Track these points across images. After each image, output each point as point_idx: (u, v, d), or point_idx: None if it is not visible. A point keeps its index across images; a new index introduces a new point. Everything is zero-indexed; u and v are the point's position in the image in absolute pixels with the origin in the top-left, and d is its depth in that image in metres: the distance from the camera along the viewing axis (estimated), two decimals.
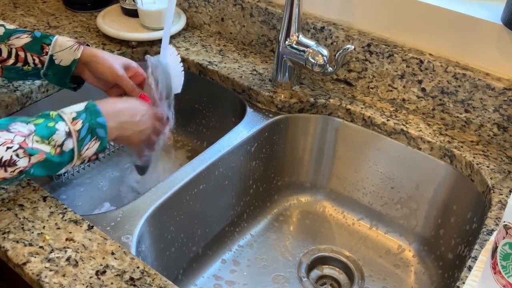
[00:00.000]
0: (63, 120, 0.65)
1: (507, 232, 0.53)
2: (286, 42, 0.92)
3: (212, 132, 1.08)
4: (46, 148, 0.63)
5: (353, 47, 0.85)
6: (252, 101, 0.97)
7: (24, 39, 0.79)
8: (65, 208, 0.68)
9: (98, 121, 0.68)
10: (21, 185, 0.71)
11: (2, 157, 0.60)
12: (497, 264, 0.55)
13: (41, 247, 0.62)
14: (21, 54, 0.79)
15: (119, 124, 0.72)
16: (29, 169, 0.62)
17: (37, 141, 0.63)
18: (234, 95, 1.00)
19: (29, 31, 0.80)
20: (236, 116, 1.01)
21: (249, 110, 0.95)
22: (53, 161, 0.64)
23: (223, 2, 1.09)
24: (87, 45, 0.82)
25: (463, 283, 0.62)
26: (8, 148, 0.61)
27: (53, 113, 0.66)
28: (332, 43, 0.98)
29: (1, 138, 0.60)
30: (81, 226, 0.65)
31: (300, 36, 0.91)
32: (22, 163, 0.62)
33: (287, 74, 0.95)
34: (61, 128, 0.65)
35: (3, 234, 0.63)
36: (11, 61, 0.79)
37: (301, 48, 0.90)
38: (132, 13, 1.11)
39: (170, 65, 0.83)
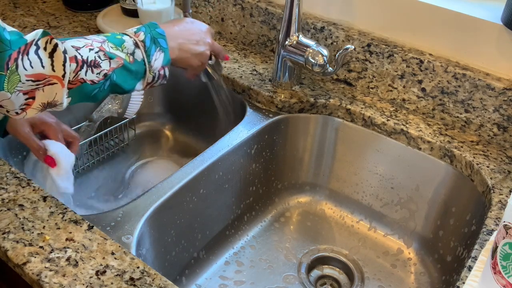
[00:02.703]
0: (127, 35, 0.70)
1: (507, 232, 0.53)
2: (286, 42, 0.92)
3: (212, 132, 1.08)
4: (121, 54, 0.68)
5: (353, 47, 0.85)
6: (252, 101, 0.97)
7: None
8: (65, 208, 0.68)
9: (158, 31, 0.72)
10: (21, 185, 0.71)
11: (87, 57, 0.64)
12: (497, 264, 0.55)
13: (41, 247, 0.62)
14: None
15: (179, 45, 0.75)
16: (112, 74, 0.66)
17: (112, 47, 0.67)
18: (234, 95, 1.00)
19: None
20: (236, 116, 1.01)
21: (249, 110, 0.95)
22: (130, 69, 0.68)
23: (223, 2, 1.09)
24: None
25: (463, 283, 0.62)
26: (90, 49, 0.65)
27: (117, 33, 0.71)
28: (332, 43, 0.98)
29: (81, 41, 0.65)
30: (81, 226, 0.65)
31: (300, 36, 0.91)
32: (105, 65, 0.66)
33: (287, 74, 0.95)
34: (128, 39, 0.69)
35: (3, 234, 0.63)
36: None
37: (301, 48, 0.90)
38: (132, 13, 1.11)
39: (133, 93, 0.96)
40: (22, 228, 0.64)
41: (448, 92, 0.88)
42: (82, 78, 0.64)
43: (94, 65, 0.65)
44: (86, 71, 0.64)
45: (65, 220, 0.66)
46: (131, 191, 1.00)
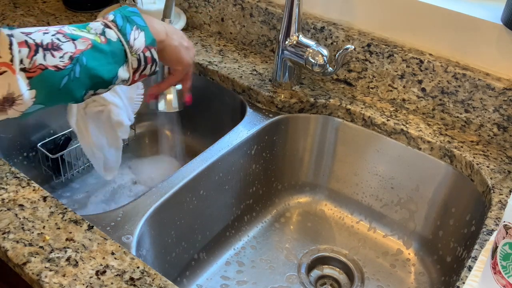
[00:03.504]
0: (93, 22, 0.62)
1: (507, 232, 0.53)
2: (286, 42, 0.92)
3: (212, 132, 1.08)
4: (88, 35, 0.59)
5: (353, 47, 0.85)
6: (252, 101, 0.97)
7: None
8: (65, 208, 0.68)
9: (129, 10, 0.64)
10: (21, 185, 0.71)
11: (42, 40, 0.56)
12: (497, 264, 0.55)
13: (41, 247, 0.62)
14: None
15: (165, 29, 0.67)
16: (80, 57, 0.58)
17: (73, 30, 0.59)
18: (234, 95, 1.00)
19: None
20: (236, 116, 1.01)
21: (249, 110, 0.95)
22: (104, 50, 0.59)
23: (223, 2, 1.09)
24: None
25: (463, 283, 0.62)
26: (45, 33, 0.57)
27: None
28: (332, 43, 0.98)
29: (32, 28, 0.57)
30: (81, 226, 0.65)
31: (300, 36, 0.91)
32: (68, 47, 0.57)
33: (287, 74, 0.95)
34: (94, 23, 0.61)
35: (3, 234, 0.63)
36: None
37: (301, 48, 0.90)
38: None
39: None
40: (22, 228, 0.64)
41: (448, 92, 0.88)
42: (42, 64, 0.55)
43: (53, 48, 0.56)
44: (44, 55, 0.56)
45: (65, 220, 0.66)
46: (131, 191, 1.00)
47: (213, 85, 1.03)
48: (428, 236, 0.92)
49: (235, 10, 1.08)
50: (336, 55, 0.87)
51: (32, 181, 0.71)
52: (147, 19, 0.65)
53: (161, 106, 0.79)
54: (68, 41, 0.57)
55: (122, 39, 0.61)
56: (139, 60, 0.63)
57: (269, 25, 1.05)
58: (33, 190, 0.70)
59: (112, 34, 0.61)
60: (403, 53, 0.90)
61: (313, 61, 0.89)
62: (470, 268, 0.64)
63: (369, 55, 0.94)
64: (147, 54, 0.64)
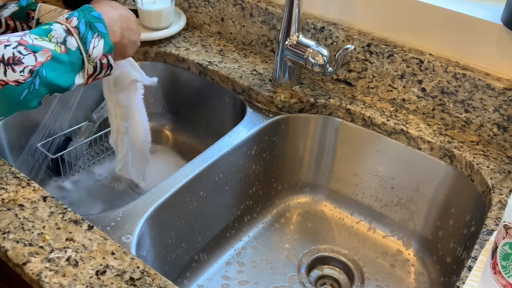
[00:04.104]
0: (57, 22, 0.63)
1: (507, 232, 0.53)
2: (286, 42, 0.92)
3: (212, 132, 1.08)
4: (49, 45, 0.60)
5: (353, 47, 0.85)
6: (252, 101, 0.97)
7: (12, 9, 0.78)
8: (65, 208, 0.67)
9: (93, 14, 0.65)
10: (21, 185, 0.71)
11: (3, 55, 0.57)
12: (497, 264, 0.55)
13: (41, 247, 0.62)
14: (11, 23, 0.77)
15: (121, 30, 0.69)
16: (40, 69, 0.59)
17: (35, 39, 0.60)
18: (234, 95, 1.00)
19: (16, 1, 0.79)
20: (236, 116, 1.01)
21: (249, 110, 0.95)
22: (63, 60, 0.61)
23: (223, 2, 1.09)
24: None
25: (463, 283, 0.62)
26: (6, 46, 0.58)
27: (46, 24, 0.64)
28: (332, 43, 0.98)
29: None
30: (81, 226, 0.65)
31: (300, 36, 0.91)
32: (29, 60, 0.58)
33: (287, 74, 0.95)
34: (57, 27, 0.62)
35: (3, 234, 0.63)
36: (1, 30, 0.78)
37: (301, 48, 0.90)
38: None
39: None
40: (22, 228, 0.64)
41: (448, 92, 0.88)
42: (2, 80, 0.57)
43: (14, 62, 0.57)
44: (5, 71, 0.57)
45: (65, 220, 0.66)
46: (131, 191, 1.00)
47: (213, 85, 1.03)
48: (428, 237, 0.92)
49: (235, 10, 1.08)
50: (336, 55, 0.87)
51: (32, 181, 0.71)
52: (105, 15, 0.66)
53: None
54: (29, 53, 0.59)
55: (82, 49, 0.63)
56: (95, 67, 0.65)
57: (269, 25, 1.05)
58: (33, 190, 0.70)
59: (73, 43, 0.62)
60: (403, 53, 0.90)
61: (313, 61, 0.89)
62: (470, 268, 0.64)
63: (369, 55, 0.94)
64: (104, 61, 0.66)
